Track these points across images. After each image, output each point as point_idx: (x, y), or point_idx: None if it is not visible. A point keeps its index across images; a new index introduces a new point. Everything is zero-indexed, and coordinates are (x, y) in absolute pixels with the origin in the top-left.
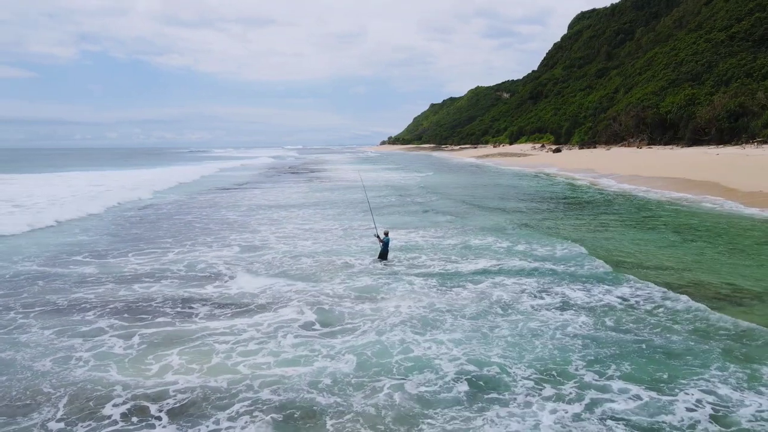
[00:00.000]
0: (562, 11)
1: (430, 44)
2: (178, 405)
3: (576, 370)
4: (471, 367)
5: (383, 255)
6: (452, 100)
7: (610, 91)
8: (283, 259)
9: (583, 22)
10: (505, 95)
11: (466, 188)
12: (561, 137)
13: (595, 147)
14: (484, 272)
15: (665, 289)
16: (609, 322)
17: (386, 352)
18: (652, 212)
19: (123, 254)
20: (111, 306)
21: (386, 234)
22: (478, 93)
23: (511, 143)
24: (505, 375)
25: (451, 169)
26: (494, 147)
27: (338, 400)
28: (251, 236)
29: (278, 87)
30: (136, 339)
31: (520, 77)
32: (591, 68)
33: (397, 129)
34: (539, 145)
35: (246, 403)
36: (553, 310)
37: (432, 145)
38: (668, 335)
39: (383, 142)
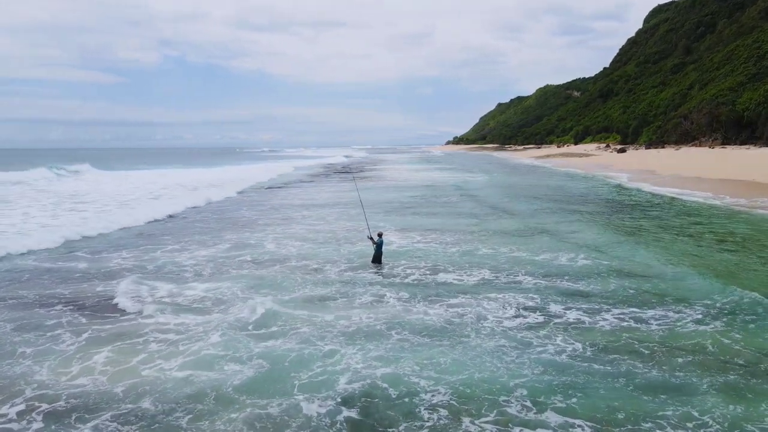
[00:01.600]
0: (641, 5)
1: (499, 43)
2: (60, 409)
3: (507, 400)
4: (378, 389)
5: (377, 258)
6: (520, 99)
7: (684, 88)
8: (261, 260)
9: (660, 15)
10: (576, 93)
11: (506, 189)
12: (628, 137)
13: (663, 147)
14: (476, 285)
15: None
16: (587, 352)
17: (303, 362)
18: (694, 218)
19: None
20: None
21: (380, 236)
22: (546, 92)
23: (576, 143)
24: (412, 398)
25: (504, 170)
26: (558, 147)
27: (217, 408)
28: (249, 235)
29: (346, 88)
30: (85, 336)
31: (592, 75)
32: (666, 64)
33: (464, 129)
34: (604, 144)
35: (121, 411)
36: (525, 330)
37: (495, 145)
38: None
39: (448, 142)
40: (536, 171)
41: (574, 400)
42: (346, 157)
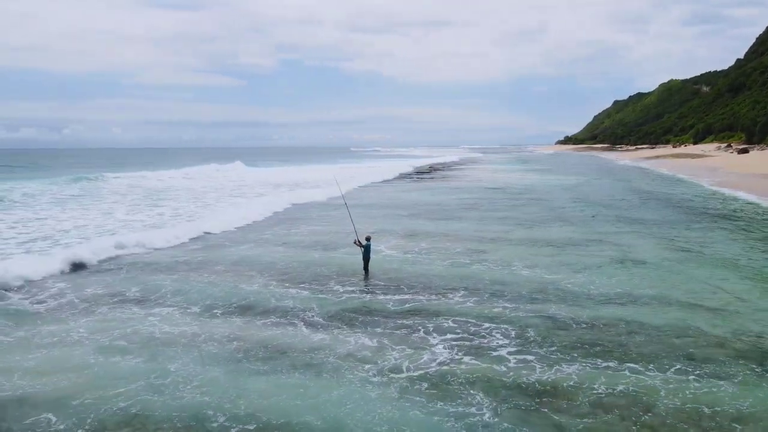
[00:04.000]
0: None
1: (619, 36)
2: None
3: None
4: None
5: (365, 264)
6: (640, 96)
7: None
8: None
9: None
10: (704, 88)
11: (582, 193)
12: (754, 135)
13: None
14: (462, 313)
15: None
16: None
17: (157, 389)
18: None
19: None
20: None
21: (368, 239)
22: (670, 87)
23: (695, 143)
24: None
25: (598, 172)
26: (674, 147)
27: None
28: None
29: (455, 87)
30: None
31: (725, 67)
32: None
33: (576, 128)
34: (725, 144)
35: None
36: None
37: (605, 145)
38: None
39: (558, 142)
40: (634, 174)
41: None
42: (459, 157)
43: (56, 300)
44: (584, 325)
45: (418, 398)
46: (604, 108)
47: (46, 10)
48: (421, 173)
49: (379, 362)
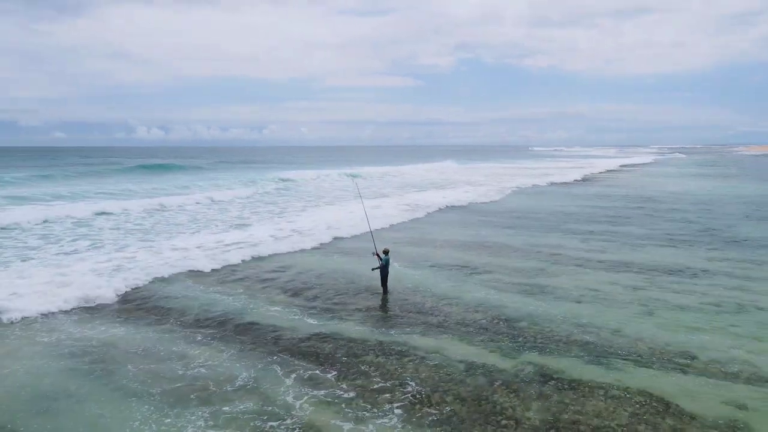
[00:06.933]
0: None
1: None
2: None
3: None
4: None
5: (383, 279)
6: None
7: None
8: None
9: None
10: None
11: (736, 206)
12: None
13: None
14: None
15: None
16: None
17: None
18: None
19: None
20: None
21: (386, 253)
22: None
23: None
24: None
25: None
26: None
27: None
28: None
29: (649, 81)
30: None
31: None
32: None
33: None
34: None
35: None
36: None
37: None
38: None
39: None
40: None
41: None
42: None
43: None
44: None
45: None
46: None
47: (258, 23)
48: (587, 178)
49: None
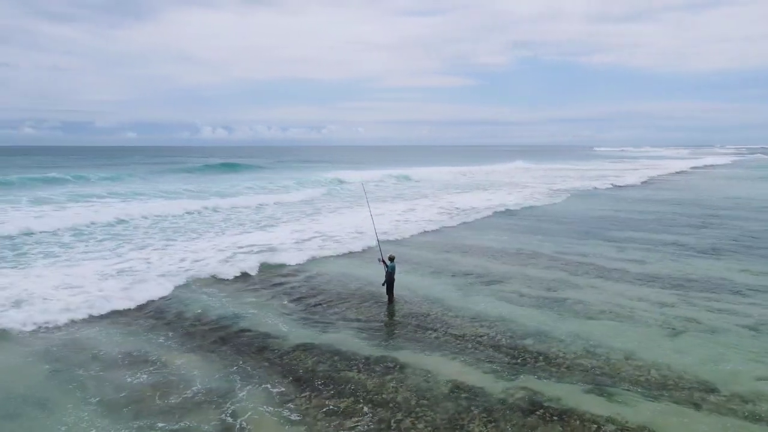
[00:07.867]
0: None
1: None
2: None
3: None
4: None
5: (389, 287)
6: None
7: None
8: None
9: None
10: None
11: None
12: None
13: None
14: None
15: None
16: None
17: None
18: None
19: None
20: None
21: (391, 259)
22: None
23: None
24: None
25: None
26: None
27: None
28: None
29: (718, 78)
30: None
31: None
32: None
33: None
34: None
35: None
36: None
37: None
38: None
39: None
40: None
41: None
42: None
43: None
44: None
45: None
46: None
47: (317, 25)
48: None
49: None
